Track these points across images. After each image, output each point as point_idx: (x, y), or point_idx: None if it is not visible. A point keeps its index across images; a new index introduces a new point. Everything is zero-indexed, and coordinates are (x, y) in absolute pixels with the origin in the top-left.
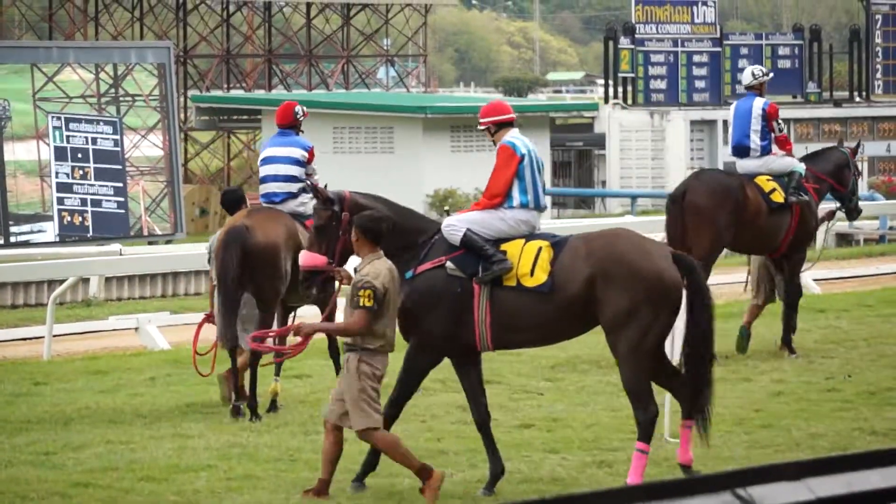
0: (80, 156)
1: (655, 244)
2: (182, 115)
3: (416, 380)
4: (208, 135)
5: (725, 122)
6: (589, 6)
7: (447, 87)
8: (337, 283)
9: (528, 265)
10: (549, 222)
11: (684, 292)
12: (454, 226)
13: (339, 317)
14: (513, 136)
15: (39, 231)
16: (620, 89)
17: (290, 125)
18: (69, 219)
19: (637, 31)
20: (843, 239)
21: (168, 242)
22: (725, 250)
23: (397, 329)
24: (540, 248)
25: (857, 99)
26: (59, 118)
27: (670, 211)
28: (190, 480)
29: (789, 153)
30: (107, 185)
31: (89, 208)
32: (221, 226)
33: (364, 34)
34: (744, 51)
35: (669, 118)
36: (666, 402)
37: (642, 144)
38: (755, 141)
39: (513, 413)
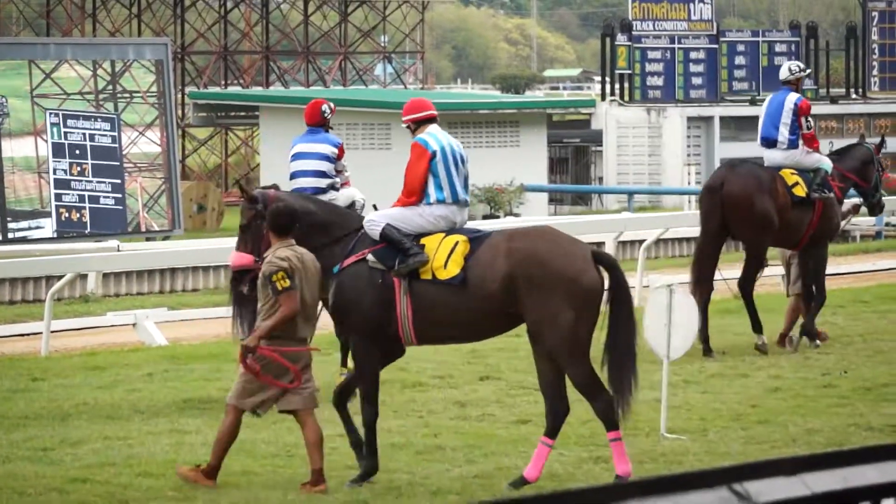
0: (77, 152)
1: (576, 244)
2: (180, 112)
3: (369, 374)
4: (206, 131)
5: (722, 119)
6: (586, 3)
7: (444, 84)
8: None
9: (443, 258)
10: (547, 218)
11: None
12: (375, 221)
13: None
14: (427, 132)
15: (37, 227)
16: (617, 86)
17: (318, 123)
18: (67, 215)
19: (634, 28)
20: (840, 235)
21: (166, 239)
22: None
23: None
24: (457, 242)
25: (854, 96)
26: (56, 115)
27: (706, 202)
28: None
29: (815, 150)
30: (104, 182)
31: (87, 205)
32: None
33: (361, 31)
34: (740, 48)
35: (666, 115)
36: (662, 396)
37: (639, 141)
38: (783, 133)
39: (510, 409)
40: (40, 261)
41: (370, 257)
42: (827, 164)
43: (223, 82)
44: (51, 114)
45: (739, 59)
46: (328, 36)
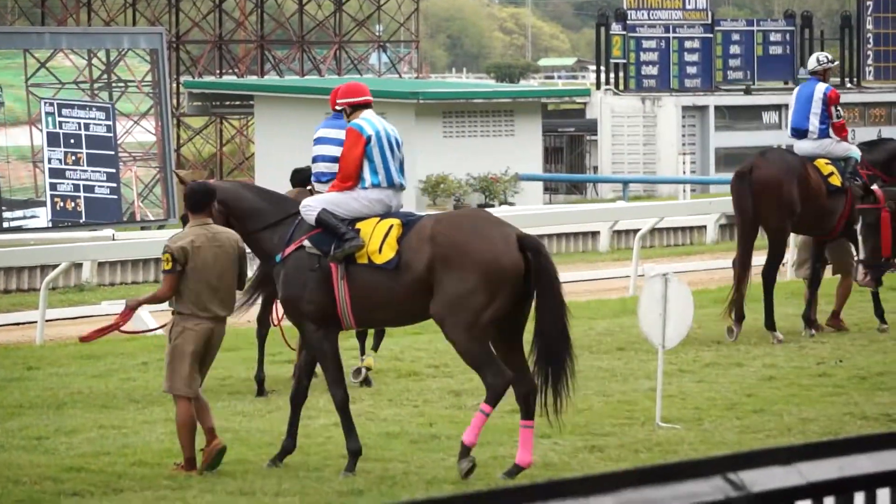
0: (72, 141)
1: (502, 227)
2: (174, 101)
3: (330, 358)
4: (201, 120)
5: (716, 108)
6: None
7: (439, 73)
8: None
9: (378, 243)
10: (541, 208)
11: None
12: (311, 206)
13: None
14: (362, 117)
15: (32, 216)
16: (612, 75)
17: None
18: (62, 204)
19: (629, 17)
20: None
21: (161, 228)
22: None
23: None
24: (391, 226)
25: (849, 85)
26: (51, 104)
27: (737, 188)
28: None
29: (844, 139)
30: (99, 171)
31: (82, 194)
32: None
33: (356, 20)
34: (735, 37)
35: (661, 104)
36: (658, 385)
37: (634, 130)
38: (814, 123)
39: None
40: (35, 250)
41: (307, 243)
42: (856, 153)
43: (218, 71)
44: (46, 103)
45: (734, 49)
46: (323, 25)
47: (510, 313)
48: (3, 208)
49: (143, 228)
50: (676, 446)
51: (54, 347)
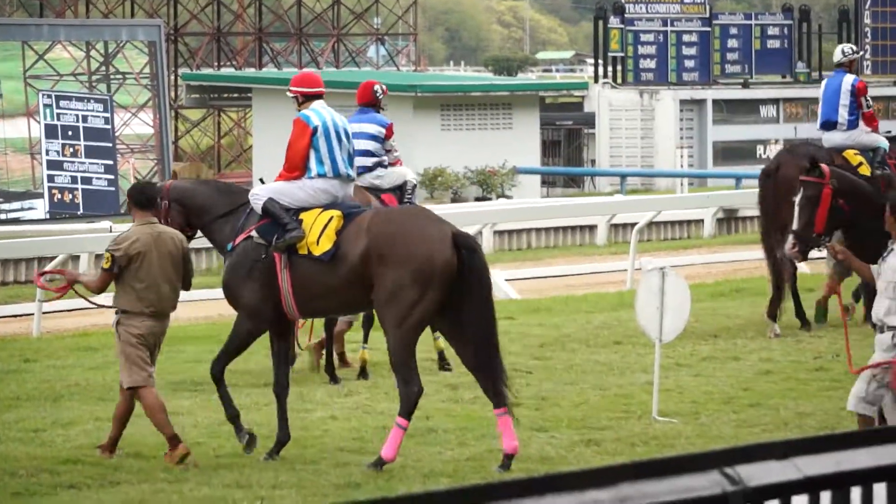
0: (70, 133)
1: (436, 225)
2: (172, 93)
3: (236, 345)
4: (199, 113)
5: (714, 102)
6: None
7: (437, 66)
8: None
9: (317, 234)
10: (538, 201)
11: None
12: (258, 195)
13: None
14: (311, 108)
15: (30, 208)
16: (610, 68)
17: (369, 103)
18: (59, 196)
19: (626, 11)
20: None
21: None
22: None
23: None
24: (331, 218)
25: None
26: (49, 96)
27: (764, 186)
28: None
29: (875, 129)
30: (97, 163)
31: (80, 186)
32: None
33: (354, 13)
34: (733, 30)
35: (659, 97)
36: (655, 378)
37: (632, 123)
38: (843, 115)
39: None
40: (32, 242)
41: (254, 233)
42: (885, 143)
43: (216, 64)
44: (44, 95)
45: (732, 42)
46: (321, 18)
47: (453, 309)
48: (1, 200)
49: None
50: (673, 440)
51: (51, 339)
